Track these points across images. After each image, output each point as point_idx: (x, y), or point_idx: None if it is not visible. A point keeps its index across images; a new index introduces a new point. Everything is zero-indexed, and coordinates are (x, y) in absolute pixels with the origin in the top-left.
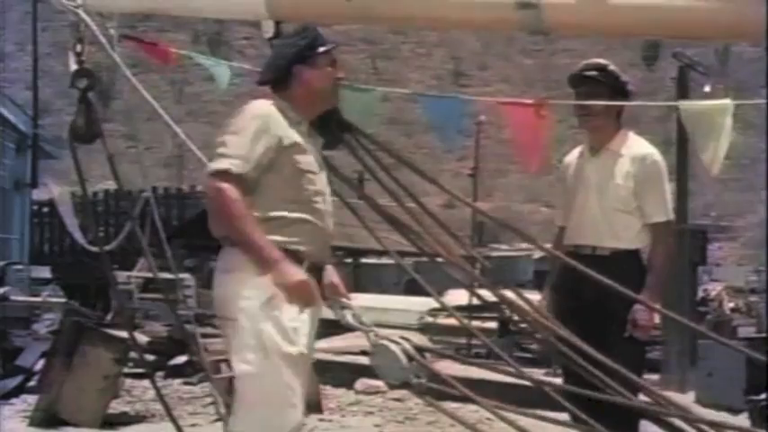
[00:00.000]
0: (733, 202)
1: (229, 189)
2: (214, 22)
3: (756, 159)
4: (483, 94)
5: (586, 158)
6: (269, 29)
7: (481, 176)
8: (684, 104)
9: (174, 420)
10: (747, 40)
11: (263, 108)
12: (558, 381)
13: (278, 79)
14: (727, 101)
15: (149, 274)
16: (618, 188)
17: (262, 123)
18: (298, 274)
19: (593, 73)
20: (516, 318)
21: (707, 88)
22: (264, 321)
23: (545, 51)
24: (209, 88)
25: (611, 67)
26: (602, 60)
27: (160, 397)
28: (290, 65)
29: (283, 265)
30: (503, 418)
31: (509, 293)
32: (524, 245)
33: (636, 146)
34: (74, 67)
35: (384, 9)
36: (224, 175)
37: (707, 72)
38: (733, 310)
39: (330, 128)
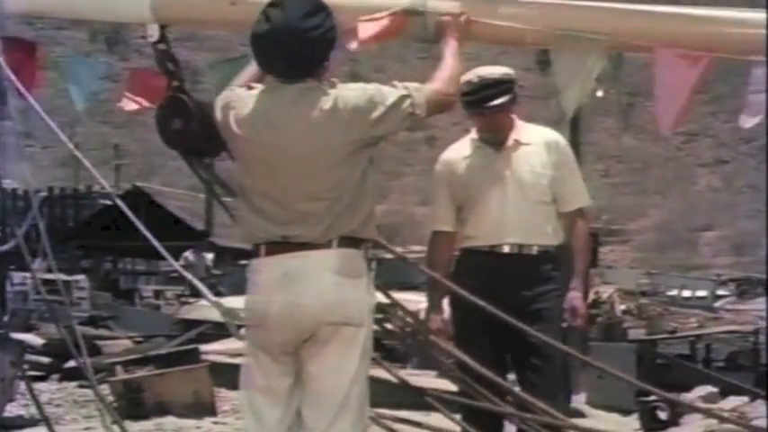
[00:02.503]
0: (625, 206)
1: (441, 92)
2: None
3: (648, 163)
4: None
5: (491, 154)
6: (154, 32)
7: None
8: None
9: (48, 424)
10: (637, 51)
11: None
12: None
13: (312, 70)
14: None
15: (47, 275)
16: (539, 178)
17: None
18: None
19: (500, 92)
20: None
21: (599, 93)
22: (372, 327)
23: (441, 54)
24: (107, 87)
25: (507, 75)
26: (490, 74)
27: (35, 400)
28: (324, 53)
29: None
30: (376, 422)
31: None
32: (417, 247)
33: (541, 132)
34: None
35: None
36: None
37: (600, 77)
38: (624, 312)
39: (213, 136)
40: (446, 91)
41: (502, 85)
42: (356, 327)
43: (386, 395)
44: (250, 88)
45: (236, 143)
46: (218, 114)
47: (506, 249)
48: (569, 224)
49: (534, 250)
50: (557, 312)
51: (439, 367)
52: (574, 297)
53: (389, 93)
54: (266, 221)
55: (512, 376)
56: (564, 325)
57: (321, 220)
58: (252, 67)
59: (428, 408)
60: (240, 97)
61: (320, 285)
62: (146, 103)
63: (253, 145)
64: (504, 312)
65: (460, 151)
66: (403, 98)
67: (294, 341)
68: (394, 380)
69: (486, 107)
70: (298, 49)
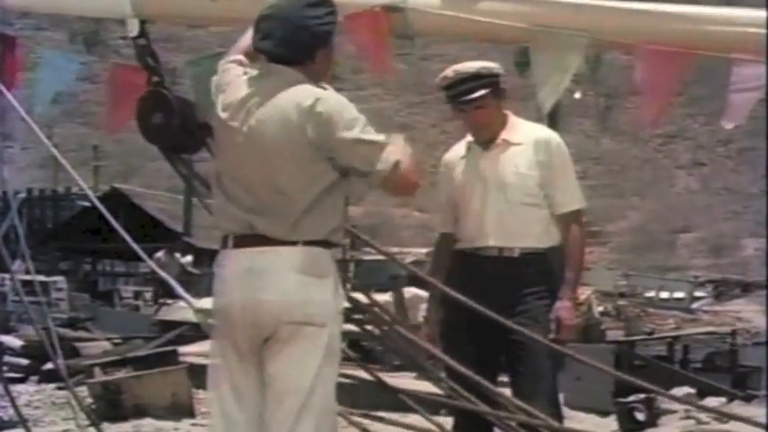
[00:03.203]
0: (603, 208)
1: (411, 174)
2: (91, 21)
3: (626, 165)
4: (357, 97)
5: (478, 154)
6: (134, 27)
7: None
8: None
9: (25, 426)
10: (617, 48)
11: None
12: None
13: (299, 58)
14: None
15: (26, 276)
16: (524, 179)
17: None
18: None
19: (475, 87)
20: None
21: (577, 95)
22: (340, 328)
23: (418, 56)
24: (86, 88)
25: (485, 69)
26: (466, 68)
27: (12, 402)
28: (316, 46)
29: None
30: (351, 422)
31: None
32: (395, 249)
33: (533, 131)
34: None
35: (249, 10)
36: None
37: (578, 79)
38: (602, 313)
39: (193, 132)
40: (413, 175)
41: (479, 80)
42: (318, 327)
43: (363, 396)
44: (241, 64)
45: (218, 126)
46: (213, 96)
47: (486, 252)
48: (564, 227)
49: (516, 253)
50: (537, 316)
51: (421, 369)
52: (559, 308)
53: (372, 131)
54: (235, 208)
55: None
56: (550, 336)
57: (286, 216)
58: (246, 37)
59: (405, 409)
60: (229, 81)
61: (283, 283)
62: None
63: (230, 128)
64: (480, 314)
65: (458, 152)
66: (380, 146)
67: (255, 339)
68: (372, 380)
69: (462, 102)
70: (288, 32)
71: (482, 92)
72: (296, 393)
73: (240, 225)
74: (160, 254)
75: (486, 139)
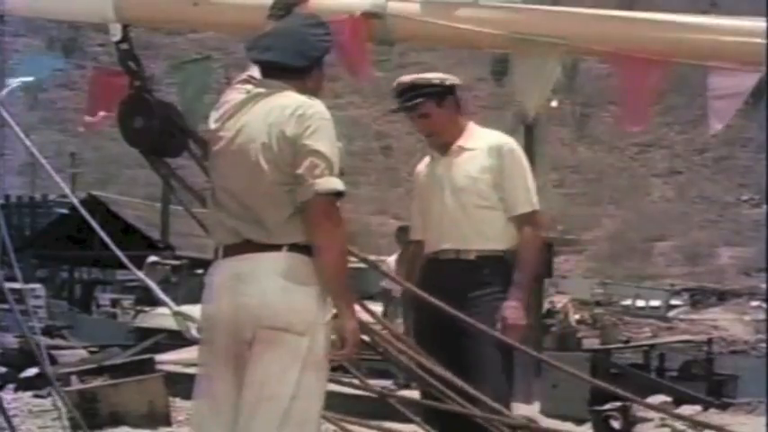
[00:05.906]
0: (579, 216)
1: (344, 220)
2: (69, 27)
3: (603, 174)
4: (334, 105)
5: (436, 161)
6: (116, 32)
7: None
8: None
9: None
10: (595, 55)
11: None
12: (403, 392)
13: (298, 69)
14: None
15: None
16: (475, 182)
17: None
18: (359, 328)
19: (413, 96)
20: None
21: (554, 103)
22: (325, 338)
23: (395, 64)
24: (64, 95)
25: (422, 80)
26: (406, 78)
27: (3, 411)
28: (316, 61)
29: (354, 315)
30: (346, 431)
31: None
32: (372, 257)
33: (487, 137)
34: None
35: (230, 15)
36: (335, 197)
37: (554, 87)
38: (578, 321)
39: (174, 135)
40: (340, 225)
41: (416, 89)
42: (297, 335)
43: (336, 404)
44: (248, 81)
45: (210, 138)
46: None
47: (444, 255)
48: (517, 229)
49: (472, 255)
50: (486, 316)
51: (417, 377)
52: (506, 307)
53: (336, 163)
54: (225, 217)
55: None
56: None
57: (272, 221)
58: None
59: (385, 417)
60: (227, 99)
61: (264, 287)
62: (106, 113)
63: (220, 138)
64: (441, 317)
65: (425, 161)
66: (331, 170)
67: (236, 343)
68: (353, 389)
69: (403, 108)
70: (290, 43)
71: (418, 100)
72: (273, 402)
73: (229, 235)
74: (154, 258)
75: (440, 145)
